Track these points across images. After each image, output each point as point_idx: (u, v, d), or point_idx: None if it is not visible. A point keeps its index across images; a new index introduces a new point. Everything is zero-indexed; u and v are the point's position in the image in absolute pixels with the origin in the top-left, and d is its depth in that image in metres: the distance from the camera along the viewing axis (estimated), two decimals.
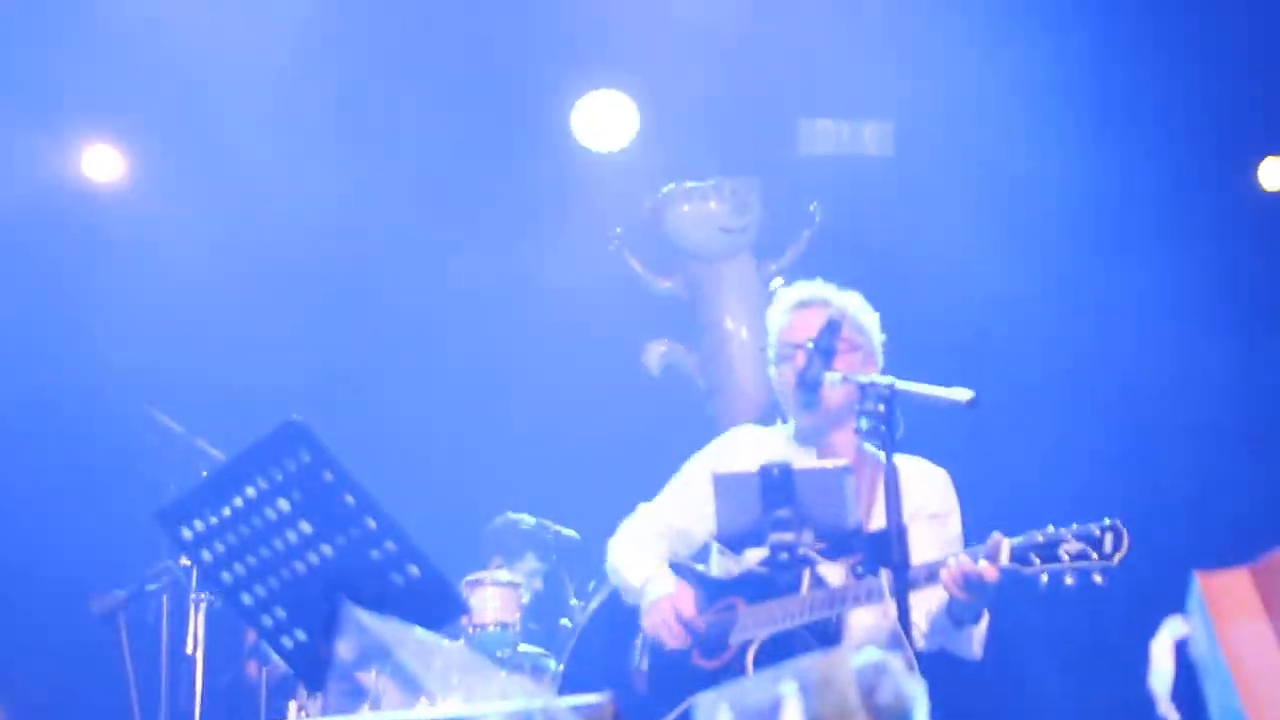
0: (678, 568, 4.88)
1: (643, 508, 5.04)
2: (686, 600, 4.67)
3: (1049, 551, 4.09)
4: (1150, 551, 4.08)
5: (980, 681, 4.65)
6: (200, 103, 7.85)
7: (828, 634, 4.37)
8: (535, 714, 2.32)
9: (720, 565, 4.80)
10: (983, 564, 4.12)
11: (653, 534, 4.93)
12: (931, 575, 4.21)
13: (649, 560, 4.83)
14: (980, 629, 4.51)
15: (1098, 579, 4.06)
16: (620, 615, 4.93)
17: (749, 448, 4.82)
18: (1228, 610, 2.00)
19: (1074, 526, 4.10)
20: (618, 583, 4.91)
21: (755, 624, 4.48)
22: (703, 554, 4.98)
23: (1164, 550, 4.30)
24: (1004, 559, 4.12)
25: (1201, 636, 2.03)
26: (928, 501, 4.68)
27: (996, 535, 4.19)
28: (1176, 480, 7.58)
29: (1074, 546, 4.06)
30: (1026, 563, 4.10)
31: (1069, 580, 4.09)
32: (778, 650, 4.21)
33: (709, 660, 4.53)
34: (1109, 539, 4.04)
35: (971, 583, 4.13)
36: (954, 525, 4.72)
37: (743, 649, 4.45)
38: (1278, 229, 8.38)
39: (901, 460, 4.38)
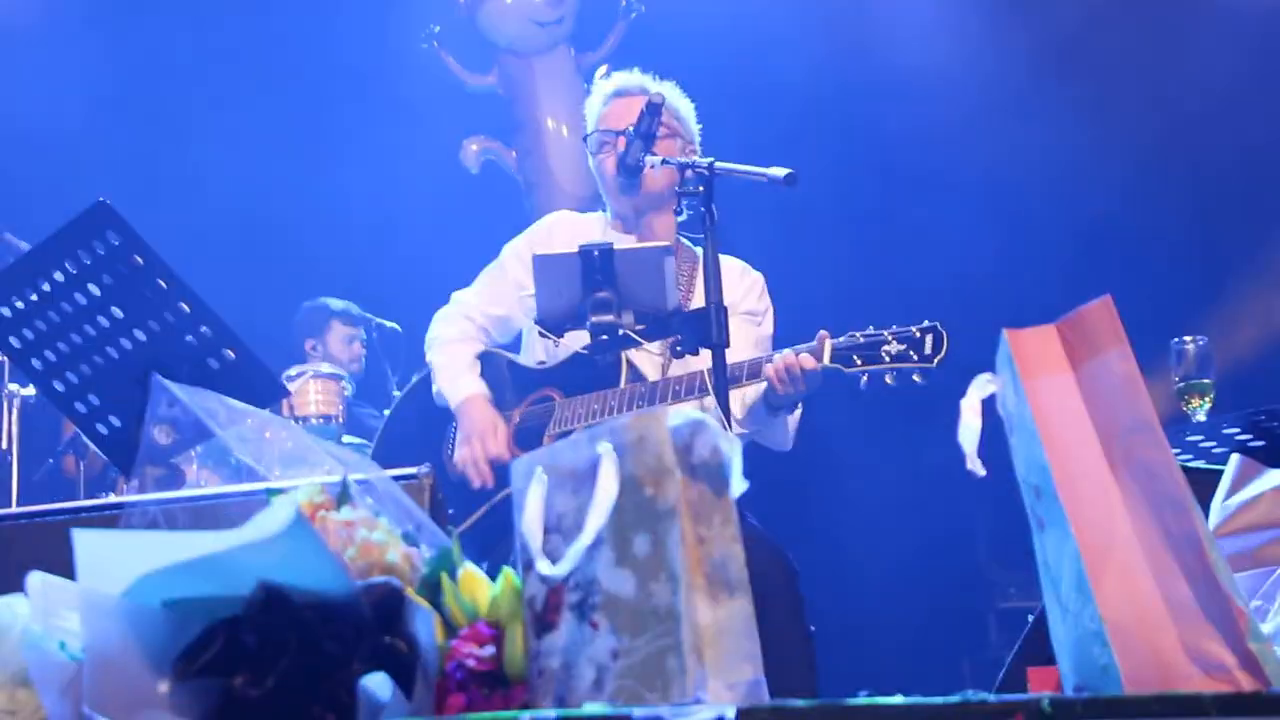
0: (491, 358, 4.89)
1: (457, 295, 5.02)
2: (498, 439, 4.66)
3: (870, 352, 4.20)
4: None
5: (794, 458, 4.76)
6: None
7: None
8: (353, 484, 2.31)
9: (538, 350, 4.82)
10: (805, 357, 4.22)
11: (471, 327, 4.92)
12: (754, 372, 4.30)
13: (466, 375, 4.82)
14: (794, 418, 4.65)
15: (917, 379, 4.19)
16: (430, 405, 4.93)
17: (565, 233, 4.83)
18: (1034, 365, 2.04)
19: (894, 328, 4.22)
20: (437, 387, 4.88)
21: (573, 416, 4.51)
22: (515, 344, 5.00)
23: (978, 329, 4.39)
24: (826, 358, 4.22)
25: (1009, 392, 2.07)
26: (743, 300, 4.76)
27: (822, 333, 4.29)
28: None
29: (895, 348, 4.18)
30: (849, 363, 4.21)
31: (889, 380, 4.22)
32: None
33: (524, 451, 4.54)
34: (929, 340, 4.17)
35: (794, 375, 4.23)
36: (767, 326, 4.84)
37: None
38: None
39: (721, 259, 4.41)
